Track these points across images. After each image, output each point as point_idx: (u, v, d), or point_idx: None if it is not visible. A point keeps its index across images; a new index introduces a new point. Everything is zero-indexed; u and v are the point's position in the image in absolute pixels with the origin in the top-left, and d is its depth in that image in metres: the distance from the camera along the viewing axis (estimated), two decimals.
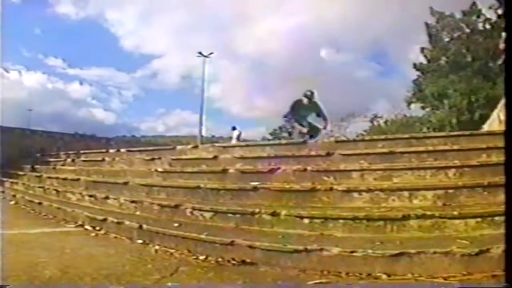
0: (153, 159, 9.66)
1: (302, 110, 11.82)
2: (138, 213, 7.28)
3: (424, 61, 27.00)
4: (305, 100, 11.77)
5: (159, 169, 8.74)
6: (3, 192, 12.44)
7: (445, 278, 3.87)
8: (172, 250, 5.54)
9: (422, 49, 27.05)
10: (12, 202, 11.03)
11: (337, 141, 8.47)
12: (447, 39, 26.24)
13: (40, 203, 9.54)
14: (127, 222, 6.68)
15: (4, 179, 13.44)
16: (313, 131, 12.03)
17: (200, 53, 40.29)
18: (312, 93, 11.91)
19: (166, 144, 15.74)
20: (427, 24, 26.76)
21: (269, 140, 20.74)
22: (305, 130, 11.84)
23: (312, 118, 12.24)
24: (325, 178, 6.40)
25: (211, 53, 40.69)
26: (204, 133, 39.47)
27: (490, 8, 24.24)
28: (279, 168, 7.06)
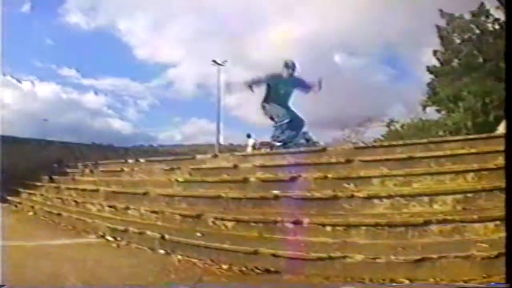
0: (172, 168, 9.62)
1: (281, 86, 10.75)
2: (159, 223, 7.33)
3: (437, 64, 26.91)
4: (285, 73, 10.69)
5: (179, 179, 8.75)
6: (20, 203, 12.51)
7: (465, 281, 3.97)
8: (195, 260, 5.60)
9: (435, 52, 26.96)
10: (30, 213, 11.10)
11: (356, 148, 8.42)
12: (458, 41, 26.12)
13: (59, 214, 9.63)
14: (148, 233, 6.77)
15: (21, 190, 13.49)
16: (296, 123, 10.97)
17: (214, 61, 40.20)
18: (294, 64, 10.80)
19: (184, 153, 15.64)
20: (438, 27, 26.67)
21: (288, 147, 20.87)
22: (286, 120, 10.68)
23: (291, 102, 11.13)
24: (346, 185, 6.46)
25: (225, 61, 40.60)
26: (222, 141, 39.40)
27: (497, 8, 24.17)
28: (300, 176, 7.04)
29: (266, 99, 10.96)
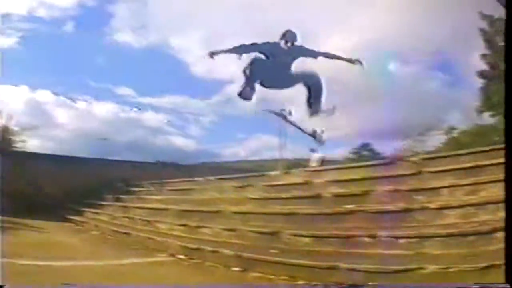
0: (244, 186, 10.09)
1: (280, 56, 10.39)
2: (234, 241, 7.76)
3: (487, 68, 26.56)
4: (283, 43, 10.47)
5: (252, 196, 9.22)
6: (83, 222, 13.18)
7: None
8: (271, 276, 5.98)
9: (483, 56, 26.63)
10: (95, 233, 11.72)
11: (424, 159, 8.59)
12: (502, 43, 25.76)
13: (127, 233, 10.26)
14: (223, 250, 7.22)
15: (85, 209, 14.18)
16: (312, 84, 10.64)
17: None
18: (294, 34, 10.53)
19: (250, 169, 15.79)
20: (481, 30, 26.33)
21: (352, 160, 20.93)
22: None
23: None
24: (417, 197, 6.82)
25: None
26: (286, 156, 39.29)
27: None
28: (372, 190, 7.42)
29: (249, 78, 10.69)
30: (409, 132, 26.51)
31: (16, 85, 22.17)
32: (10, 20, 21.03)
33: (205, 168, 19.07)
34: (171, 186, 13.26)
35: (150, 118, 30.46)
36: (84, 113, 26.98)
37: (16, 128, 18.91)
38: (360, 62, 10.99)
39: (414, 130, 27.40)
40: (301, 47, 10.67)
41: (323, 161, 13.29)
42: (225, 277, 6.41)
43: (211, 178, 12.23)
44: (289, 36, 10.41)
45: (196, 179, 12.70)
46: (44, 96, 25.99)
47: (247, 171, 13.56)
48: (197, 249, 7.75)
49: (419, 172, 7.54)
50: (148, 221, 10.75)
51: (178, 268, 7.17)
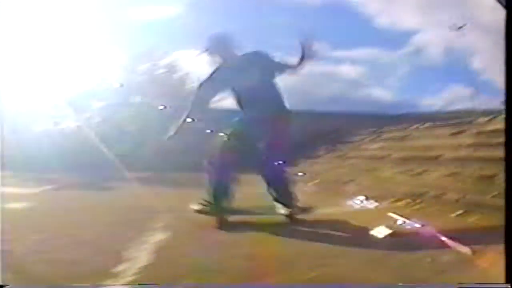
0: (457, 132, 11.04)
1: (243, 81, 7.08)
2: (454, 185, 8.57)
3: None
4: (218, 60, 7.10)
5: (467, 142, 10.10)
6: (305, 174, 13.89)
7: None
8: (490, 221, 6.49)
9: None
10: (315, 182, 12.82)
11: None
12: None
13: (346, 182, 11.50)
14: (443, 195, 8.25)
15: (301, 160, 15.44)
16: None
17: (452, 26, 39.36)
18: (217, 38, 7.25)
19: (448, 118, 16.45)
20: None
21: None
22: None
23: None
24: None
25: (461, 27, 39.59)
26: (479, 105, 38.98)
27: None
28: None
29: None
30: None
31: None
32: None
33: (408, 118, 19.97)
34: (385, 135, 14.51)
35: (347, 71, 30.98)
36: None
37: None
38: None
39: None
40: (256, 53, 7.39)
41: None
42: (445, 221, 6.99)
43: (425, 125, 13.28)
44: (210, 47, 7.29)
45: (408, 127, 13.71)
46: None
47: (445, 120, 14.30)
48: (421, 194, 8.68)
49: None
50: (368, 169, 11.95)
51: (402, 213, 7.61)
